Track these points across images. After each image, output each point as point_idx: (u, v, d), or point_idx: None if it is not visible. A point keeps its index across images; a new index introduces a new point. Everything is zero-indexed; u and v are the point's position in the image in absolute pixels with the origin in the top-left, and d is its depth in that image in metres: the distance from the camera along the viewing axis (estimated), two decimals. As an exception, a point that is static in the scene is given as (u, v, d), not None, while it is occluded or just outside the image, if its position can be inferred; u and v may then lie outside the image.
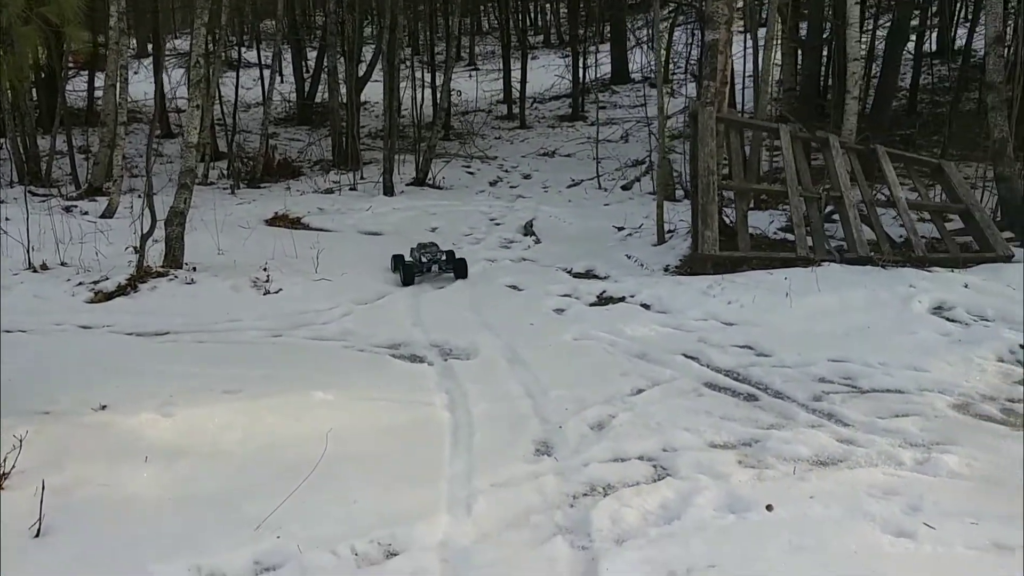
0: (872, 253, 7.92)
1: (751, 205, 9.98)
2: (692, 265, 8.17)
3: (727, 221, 8.84)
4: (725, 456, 4.17)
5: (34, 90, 16.06)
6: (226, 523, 3.41)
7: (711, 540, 3.33)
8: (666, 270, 8.34)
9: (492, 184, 14.54)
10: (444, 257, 8.22)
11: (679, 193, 11.89)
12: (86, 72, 17.97)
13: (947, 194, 9.17)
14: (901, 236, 8.49)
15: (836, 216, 8.78)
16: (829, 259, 7.89)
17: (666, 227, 9.46)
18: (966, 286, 7.09)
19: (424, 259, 8.07)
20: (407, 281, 7.86)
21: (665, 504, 3.64)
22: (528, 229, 10.79)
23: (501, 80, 21.93)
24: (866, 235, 8.20)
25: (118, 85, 11.30)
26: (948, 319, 6.43)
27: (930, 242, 8.56)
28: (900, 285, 7.05)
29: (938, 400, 4.90)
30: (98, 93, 15.37)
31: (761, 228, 9.29)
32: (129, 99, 12.43)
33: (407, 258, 8.22)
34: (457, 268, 8.16)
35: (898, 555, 3.26)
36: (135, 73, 20.53)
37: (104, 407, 4.64)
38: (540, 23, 32.15)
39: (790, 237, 8.43)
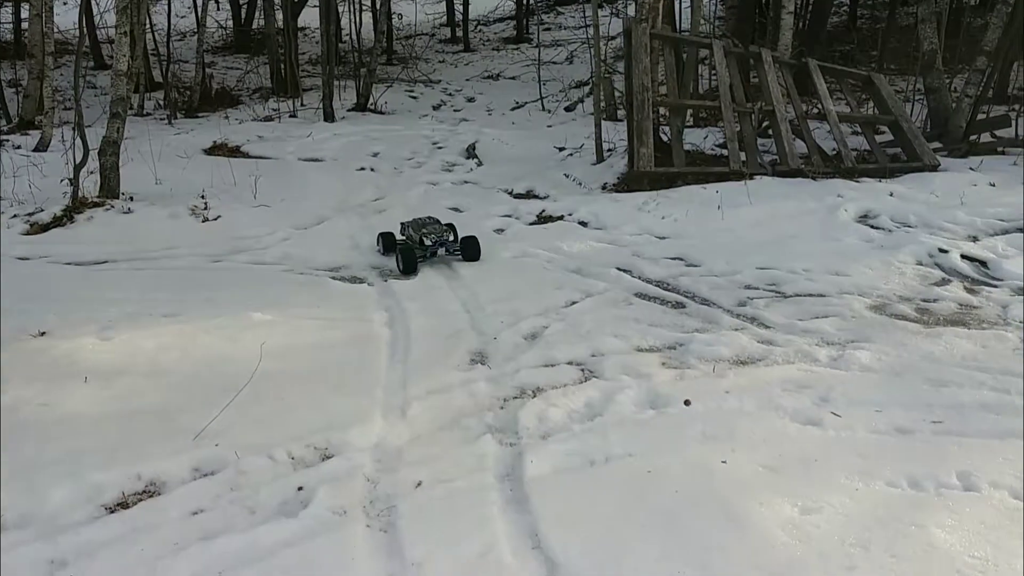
0: (803, 165, 8.10)
1: (689, 122, 10.10)
2: (629, 182, 8.30)
3: (663, 138, 8.94)
4: (649, 359, 4.36)
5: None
6: (165, 434, 3.51)
7: (630, 432, 3.52)
8: (604, 188, 8.46)
9: (435, 108, 14.49)
10: (451, 237, 6.59)
11: (621, 113, 11.93)
12: (11, 3, 17.29)
13: (877, 106, 9.36)
14: (833, 149, 8.68)
15: (771, 131, 8.94)
16: (762, 172, 8.07)
17: (606, 146, 9.56)
18: (891, 195, 7.33)
19: (428, 241, 6.42)
20: (408, 269, 6.18)
21: (589, 403, 3.82)
22: (471, 152, 10.80)
23: (444, 3, 21.55)
24: (799, 148, 8.38)
25: (43, 15, 10.92)
26: (872, 226, 6.68)
27: (861, 154, 8.78)
28: (828, 195, 7.28)
29: (856, 302, 5.14)
30: (25, 25, 14.85)
31: (697, 144, 9.42)
32: (57, 29, 12.06)
33: (399, 236, 6.73)
34: (467, 248, 6.44)
35: (803, 440, 3.47)
36: (64, 4, 19.79)
37: (43, 333, 4.67)
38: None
39: (725, 152, 8.57)
